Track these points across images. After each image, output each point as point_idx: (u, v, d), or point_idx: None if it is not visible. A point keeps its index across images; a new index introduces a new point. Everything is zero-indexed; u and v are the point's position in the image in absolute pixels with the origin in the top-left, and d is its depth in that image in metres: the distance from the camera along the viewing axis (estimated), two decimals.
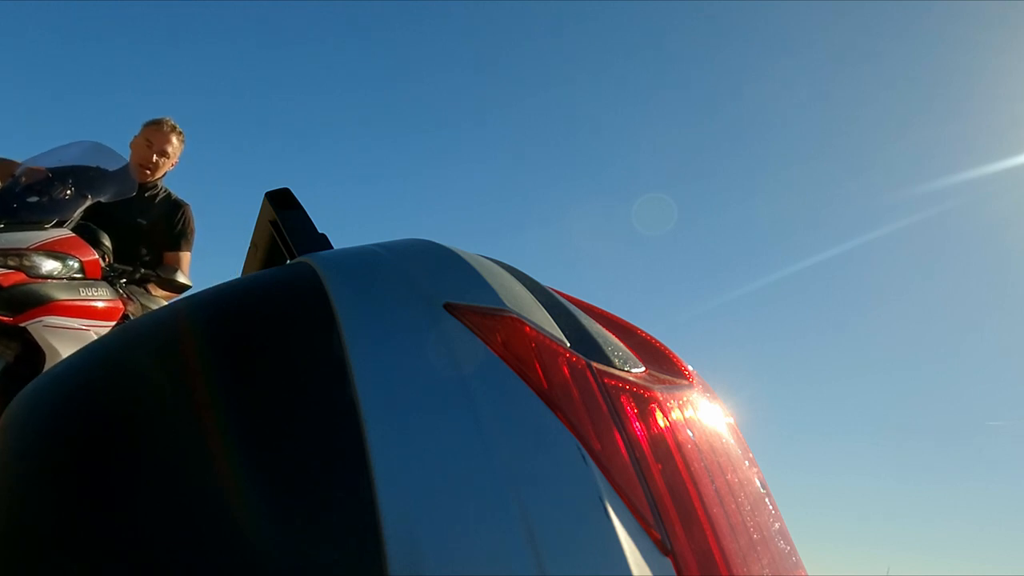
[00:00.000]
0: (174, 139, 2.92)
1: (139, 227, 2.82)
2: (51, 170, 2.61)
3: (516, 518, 0.51)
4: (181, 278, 2.66)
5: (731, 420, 0.82)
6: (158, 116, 2.94)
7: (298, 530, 0.51)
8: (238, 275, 1.12)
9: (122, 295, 2.58)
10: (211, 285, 0.75)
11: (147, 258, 2.85)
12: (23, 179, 2.57)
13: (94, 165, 2.74)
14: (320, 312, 0.62)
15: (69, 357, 0.75)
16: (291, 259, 1.02)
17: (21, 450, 0.64)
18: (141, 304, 2.67)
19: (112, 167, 2.78)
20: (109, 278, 2.56)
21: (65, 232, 2.47)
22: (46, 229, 2.43)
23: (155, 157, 2.86)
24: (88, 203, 2.60)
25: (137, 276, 2.64)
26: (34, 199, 2.50)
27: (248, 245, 1.26)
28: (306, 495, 0.53)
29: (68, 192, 2.56)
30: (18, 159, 2.82)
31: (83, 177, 2.64)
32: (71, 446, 0.61)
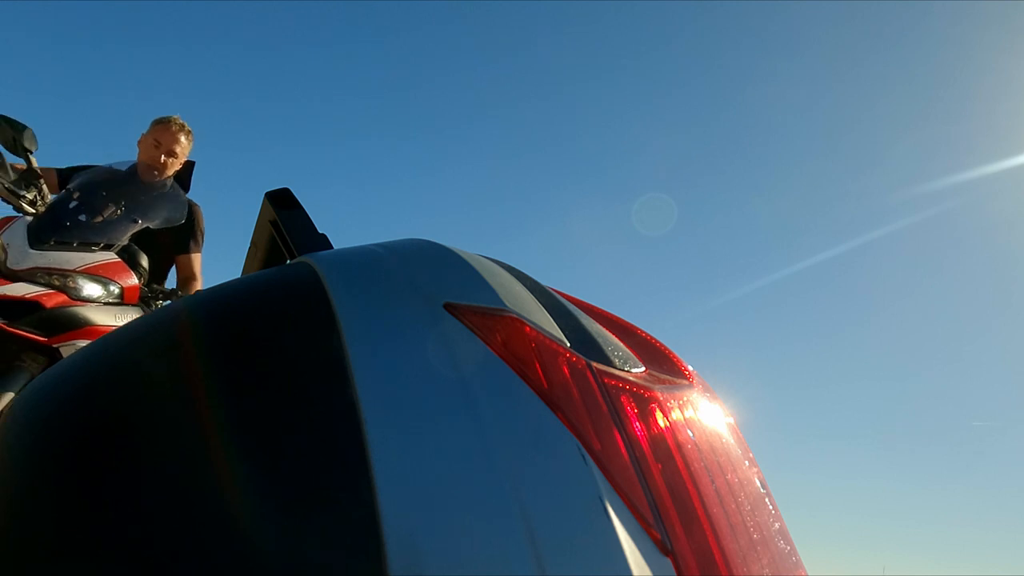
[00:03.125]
0: (182, 138, 2.89)
1: (150, 229, 2.81)
2: (104, 189, 2.62)
3: (516, 518, 0.51)
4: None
5: (731, 420, 0.82)
6: (165, 115, 2.93)
7: (298, 530, 0.51)
8: (238, 275, 1.12)
9: None
10: (211, 285, 0.74)
11: (156, 256, 2.84)
12: (76, 195, 2.57)
13: (144, 186, 2.74)
14: (320, 312, 0.62)
15: (69, 357, 0.75)
16: (291, 259, 1.02)
17: (21, 450, 0.64)
18: None
19: (158, 189, 2.79)
20: (146, 299, 2.58)
21: (111, 256, 2.48)
22: (93, 252, 2.44)
23: (163, 158, 2.83)
24: (138, 228, 2.60)
25: (175, 298, 2.65)
26: (84, 218, 2.50)
27: (248, 245, 1.26)
28: (306, 495, 0.53)
29: (119, 213, 2.56)
30: (57, 167, 2.83)
31: (135, 200, 2.65)
32: (71, 446, 0.61)
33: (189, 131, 2.92)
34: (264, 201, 1.13)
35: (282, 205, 1.09)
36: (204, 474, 0.55)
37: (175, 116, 2.92)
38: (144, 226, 2.62)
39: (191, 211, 2.95)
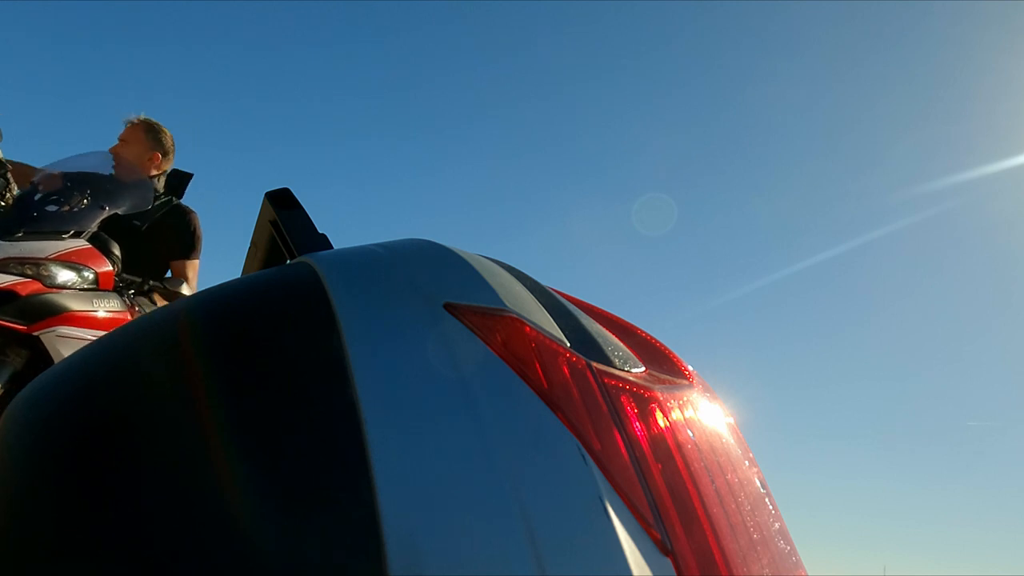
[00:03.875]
0: (135, 133, 2.94)
1: (136, 229, 2.81)
2: (69, 179, 2.64)
3: (516, 518, 0.51)
4: (186, 290, 2.68)
5: (731, 420, 0.82)
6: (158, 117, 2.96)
7: (298, 530, 0.51)
8: (238, 275, 1.12)
9: (130, 305, 2.60)
10: (211, 285, 0.74)
11: (149, 262, 2.85)
12: (41, 187, 2.60)
13: (110, 175, 2.77)
14: (320, 312, 0.62)
15: (69, 357, 0.75)
16: (291, 259, 1.02)
17: (21, 450, 0.64)
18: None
19: (127, 178, 2.81)
20: (118, 288, 2.58)
21: (82, 243, 2.50)
22: (63, 239, 2.46)
23: (116, 148, 2.88)
24: (105, 214, 2.62)
25: (145, 288, 2.65)
26: (52, 208, 2.53)
27: (248, 245, 1.26)
28: (306, 495, 0.53)
29: (85, 202, 2.59)
30: (28, 163, 2.84)
31: (101, 188, 2.67)
32: (71, 446, 0.61)
33: (141, 123, 2.96)
34: (264, 201, 1.13)
35: (282, 205, 1.09)
36: (204, 474, 0.55)
37: (133, 114, 2.98)
38: (112, 212, 2.64)
39: (187, 217, 2.96)
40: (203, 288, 0.73)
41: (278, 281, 0.73)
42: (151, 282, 2.66)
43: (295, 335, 0.63)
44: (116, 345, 0.72)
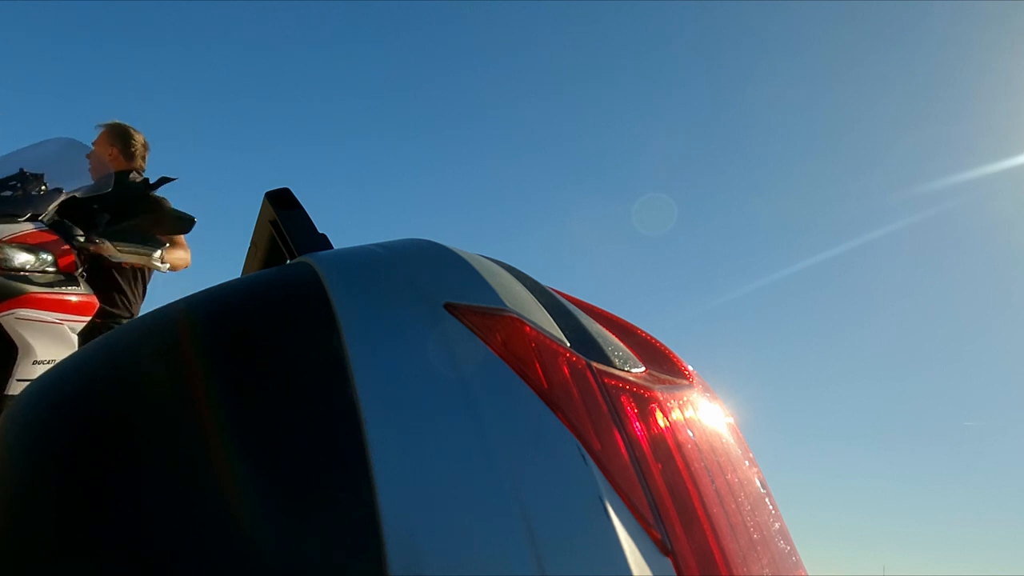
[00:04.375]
0: (101, 135, 3.06)
1: (90, 209, 2.81)
2: (25, 165, 2.66)
3: (516, 518, 0.51)
4: (179, 212, 2.64)
5: (731, 420, 0.82)
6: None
7: (298, 530, 0.51)
8: (238, 275, 1.12)
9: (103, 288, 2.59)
10: (211, 285, 0.74)
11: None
12: None
13: (70, 162, 2.80)
14: (320, 312, 0.62)
15: (69, 357, 0.75)
16: (291, 259, 1.02)
17: (21, 450, 0.64)
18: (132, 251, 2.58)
19: (87, 164, 2.87)
20: (88, 268, 2.56)
21: (39, 226, 2.49)
22: (19, 222, 2.45)
23: (91, 155, 2.96)
24: (63, 198, 2.63)
25: (125, 226, 2.56)
26: (8, 194, 2.53)
27: (248, 245, 1.26)
28: (306, 495, 0.53)
29: (43, 187, 2.60)
30: None
31: (57, 173, 2.69)
32: (71, 446, 0.61)
33: (106, 125, 3.09)
34: (264, 201, 1.13)
35: (282, 205, 1.09)
36: (204, 474, 0.55)
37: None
38: (70, 195, 2.64)
39: (159, 203, 2.96)
40: (203, 288, 0.73)
41: (278, 281, 0.73)
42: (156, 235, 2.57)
43: (295, 335, 0.63)
44: (116, 345, 0.72)
